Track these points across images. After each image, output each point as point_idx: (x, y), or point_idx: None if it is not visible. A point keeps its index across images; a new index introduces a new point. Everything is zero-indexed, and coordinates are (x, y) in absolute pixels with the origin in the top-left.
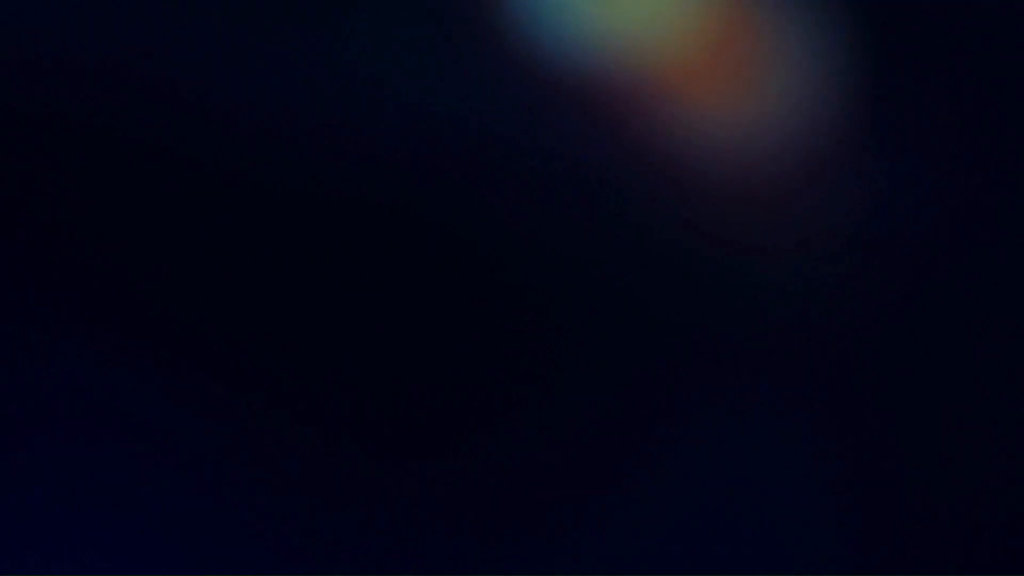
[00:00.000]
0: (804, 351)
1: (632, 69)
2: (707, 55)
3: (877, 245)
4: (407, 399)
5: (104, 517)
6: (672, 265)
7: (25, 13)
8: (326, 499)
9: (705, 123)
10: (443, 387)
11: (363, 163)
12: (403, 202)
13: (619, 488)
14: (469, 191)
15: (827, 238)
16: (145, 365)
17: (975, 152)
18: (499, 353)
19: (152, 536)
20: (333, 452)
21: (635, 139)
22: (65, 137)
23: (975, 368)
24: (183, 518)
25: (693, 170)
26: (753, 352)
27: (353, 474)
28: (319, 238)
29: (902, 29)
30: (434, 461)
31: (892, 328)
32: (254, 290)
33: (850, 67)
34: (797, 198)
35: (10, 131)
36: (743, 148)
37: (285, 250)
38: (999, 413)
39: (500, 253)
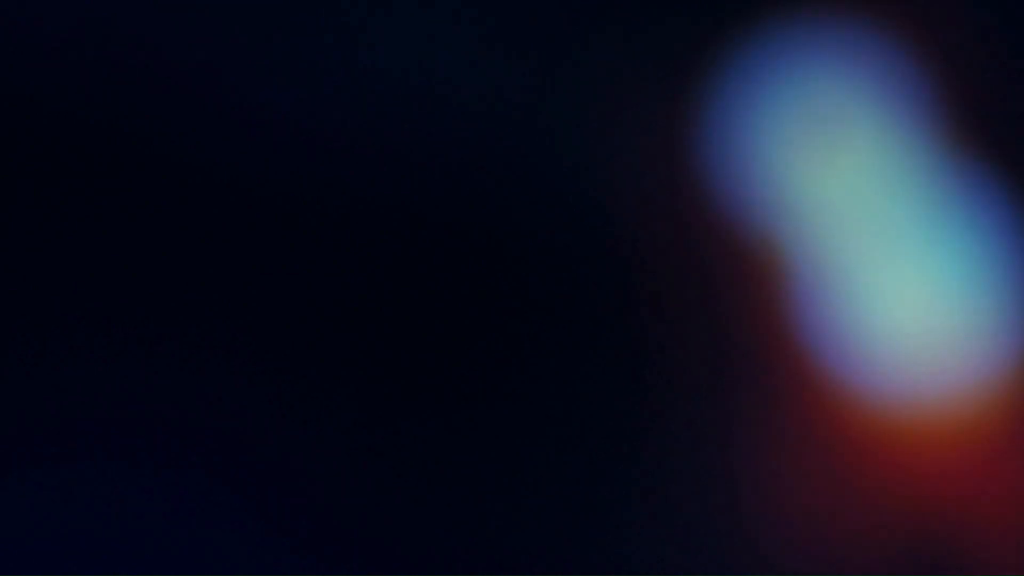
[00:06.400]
0: None
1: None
2: None
3: None
4: (412, 397)
5: (104, 517)
6: None
7: (33, 10)
8: (329, 500)
9: None
10: (453, 389)
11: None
12: None
13: (623, 488)
14: None
15: None
16: (144, 364)
17: None
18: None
19: (152, 536)
20: (337, 454)
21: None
22: (73, 135)
23: None
24: (182, 518)
25: None
26: None
27: (354, 477)
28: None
29: None
30: (437, 462)
31: None
32: (273, 290)
33: None
34: None
35: (12, 130)
36: None
37: (305, 250)
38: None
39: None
